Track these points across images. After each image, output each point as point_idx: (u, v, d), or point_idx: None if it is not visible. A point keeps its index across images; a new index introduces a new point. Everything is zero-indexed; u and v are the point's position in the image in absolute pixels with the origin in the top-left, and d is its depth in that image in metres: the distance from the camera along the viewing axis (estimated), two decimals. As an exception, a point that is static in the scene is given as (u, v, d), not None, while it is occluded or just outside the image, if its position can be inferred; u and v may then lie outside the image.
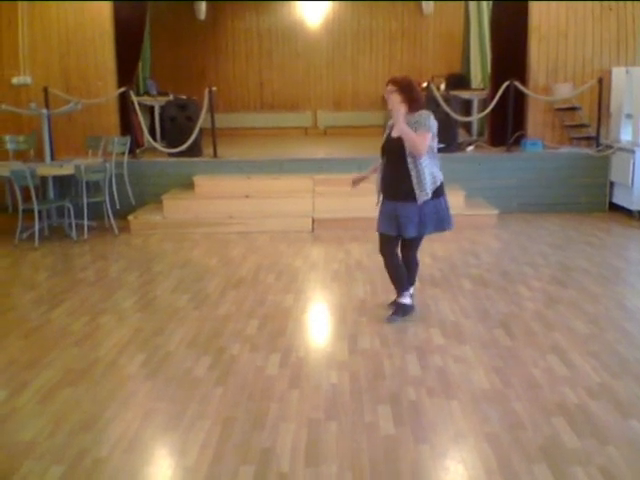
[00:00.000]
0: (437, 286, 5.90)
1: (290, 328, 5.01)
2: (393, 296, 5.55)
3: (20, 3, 9.62)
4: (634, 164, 8.57)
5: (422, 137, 4.67)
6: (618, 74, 9.30)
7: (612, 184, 9.24)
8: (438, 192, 4.86)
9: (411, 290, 5.21)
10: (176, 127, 9.53)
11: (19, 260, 7.21)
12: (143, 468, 3.23)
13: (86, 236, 7.98)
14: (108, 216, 8.29)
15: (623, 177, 8.81)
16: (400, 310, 5.12)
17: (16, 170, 7.49)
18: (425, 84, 11.83)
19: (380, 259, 6.83)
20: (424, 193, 4.76)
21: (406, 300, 5.12)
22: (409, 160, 4.74)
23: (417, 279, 5.33)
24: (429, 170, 4.77)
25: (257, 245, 7.67)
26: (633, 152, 8.60)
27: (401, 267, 5.08)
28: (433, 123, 4.76)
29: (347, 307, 5.47)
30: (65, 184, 8.43)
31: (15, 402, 3.88)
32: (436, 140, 4.85)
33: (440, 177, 4.87)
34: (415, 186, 4.76)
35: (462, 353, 4.48)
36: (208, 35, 14.43)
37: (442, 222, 4.95)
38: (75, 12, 9.74)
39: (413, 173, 4.76)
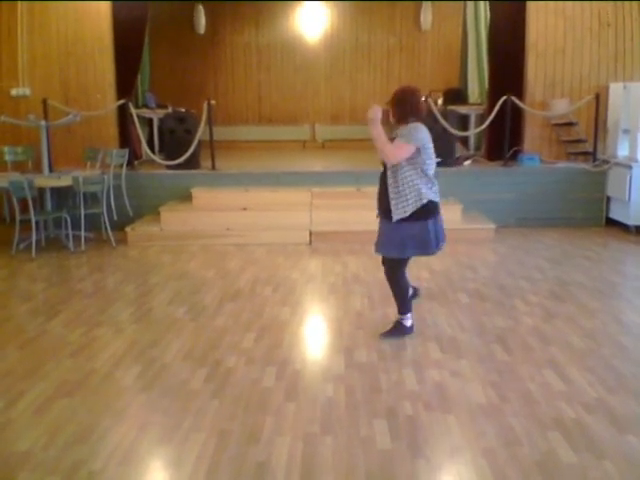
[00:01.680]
0: (434, 300, 5.90)
1: (287, 341, 5.00)
2: (391, 310, 5.56)
3: (20, 15, 9.66)
4: (631, 179, 8.60)
5: (394, 146, 4.56)
6: (615, 90, 9.35)
7: (609, 199, 9.27)
8: (425, 214, 4.63)
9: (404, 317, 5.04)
10: (174, 140, 9.55)
11: (16, 271, 7.20)
12: (138, 481, 3.22)
13: (83, 247, 7.97)
14: (105, 228, 8.29)
15: (620, 192, 8.84)
16: (396, 330, 5.01)
17: (14, 181, 7.50)
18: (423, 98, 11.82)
19: (377, 273, 6.86)
20: (400, 211, 4.61)
21: (406, 322, 5.01)
22: (389, 173, 4.65)
23: (407, 306, 5.04)
24: (412, 186, 4.58)
25: (254, 257, 7.67)
26: (630, 167, 8.63)
27: (401, 287, 4.94)
28: (419, 136, 4.55)
29: (344, 320, 5.46)
30: (63, 195, 8.43)
31: (11, 413, 3.86)
32: (428, 156, 4.60)
33: (430, 197, 4.62)
34: (391, 201, 4.64)
35: (459, 367, 4.47)
36: (207, 49, 14.49)
37: (425, 246, 4.73)
38: (75, 24, 9.80)
39: (391, 188, 4.63)
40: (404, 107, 4.67)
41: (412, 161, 4.58)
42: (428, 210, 4.65)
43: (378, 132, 4.58)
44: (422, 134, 4.60)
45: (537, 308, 5.75)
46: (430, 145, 4.64)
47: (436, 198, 4.71)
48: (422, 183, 4.61)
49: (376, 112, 4.60)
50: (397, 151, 4.57)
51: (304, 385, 4.22)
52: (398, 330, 5.01)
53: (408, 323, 5.01)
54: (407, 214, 4.62)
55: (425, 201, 4.61)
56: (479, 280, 6.64)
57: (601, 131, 9.49)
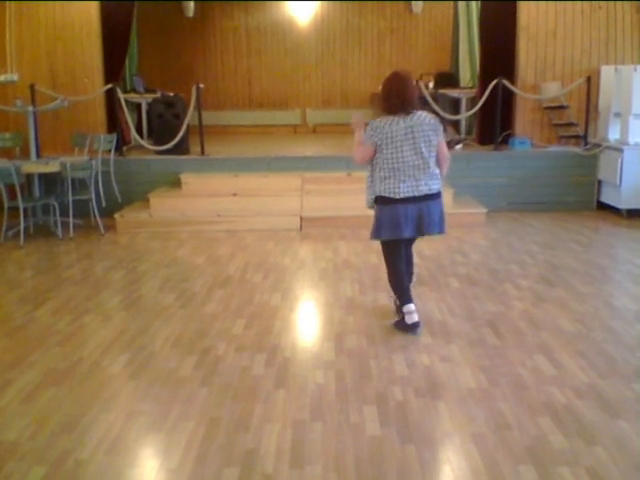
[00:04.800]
0: (424, 285, 5.88)
1: (277, 327, 4.97)
2: (381, 295, 5.55)
3: (7, 1, 9.54)
4: (622, 163, 8.58)
5: (355, 148, 4.74)
6: (607, 72, 9.31)
7: (600, 183, 9.26)
8: (385, 201, 4.66)
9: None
10: (163, 124, 9.47)
11: (4, 258, 7.14)
12: (126, 469, 3.18)
13: (72, 234, 7.91)
14: (94, 214, 8.22)
15: (611, 176, 8.82)
16: (398, 323, 4.94)
17: (1, 167, 7.41)
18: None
19: (368, 258, 6.86)
20: (367, 197, 4.79)
21: (406, 317, 4.82)
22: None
23: (402, 296, 4.91)
24: (373, 177, 4.70)
25: (244, 244, 7.63)
26: (621, 151, 8.61)
27: (390, 274, 4.94)
28: (369, 133, 4.59)
29: (334, 306, 5.43)
30: (51, 182, 8.36)
31: (-3, 402, 3.84)
32: (389, 150, 4.55)
33: (379, 193, 4.65)
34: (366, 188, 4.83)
35: (449, 352, 4.46)
36: (196, 32, 14.37)
37: (396, 230, 4.68)
38: (62, 9, 9.69)
39: (367, 173, 4.81)
40: (382, 96, 4.67)
41: (377, 154, 4.65)
42: (385, 200, 4.66)
43: (355, 137, 4.76)
44: (374, 130, 4.57)
45: (528, 292, 5.74)
46: (391, 138, 4.53)
47: (389, 194, 4.61)
48: (380, 177, 4.65)
49: (357, 119, 4.76)
50: (355, 153, 4.75)
51: (294, 372, 4.19)
52: (399, 324, 4.89)
53: (408, 319, 4.78)
54: (368, 202, 4.81)
55: (377, 194, 4.70)
56: (470, 265, 6.63)
57: (592, 114, 9.47)
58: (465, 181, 8.99)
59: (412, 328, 4.77)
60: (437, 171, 4.67)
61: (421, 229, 4.69)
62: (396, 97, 4.53)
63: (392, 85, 4.57)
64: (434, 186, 4.64)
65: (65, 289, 6.02)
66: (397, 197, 4.58)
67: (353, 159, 4.77)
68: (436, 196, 4.67)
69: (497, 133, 9.41)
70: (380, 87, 4.71)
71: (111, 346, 4.66)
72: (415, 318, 4.78)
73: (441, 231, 4.79)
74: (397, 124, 4.51)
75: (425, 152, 4.56)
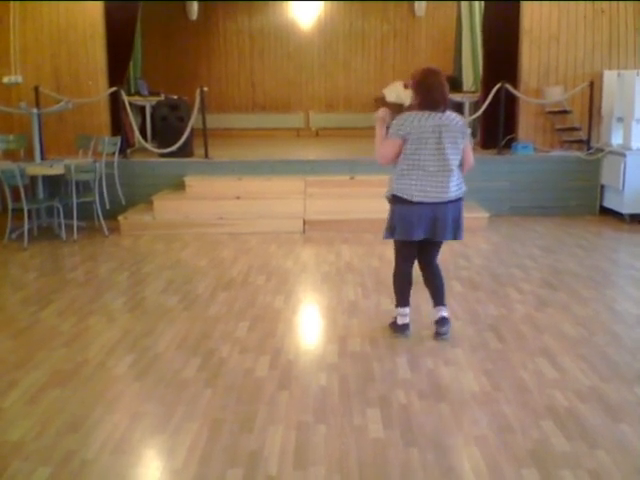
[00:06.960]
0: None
1: (280, 330, 4.99)
2: (384, 298, 5.56)
3: (12, 2, 9.57)
4: (625, 167, 8.59)
5: (380, 145, 4.52)
6: (610, 77, 9.32)
7: (603, 187, 9.27)
8: (398, 200, 4.49)
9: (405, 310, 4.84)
10: (167, 127, 9.48)
11: (8, 260, 7.17)
12: (130, 470, 3.21)
13: (76, 236, 7.93)
14: (98, 216, 8.24)
15: (614, 180, 8.83)
16: (392, 324, 4.94)
17: (5, 169, 7.44)
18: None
19: (370, 261, 6.87)
20: (388, 190, 4.59)
21: (398, 319, 4.85)
22: None
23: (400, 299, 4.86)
24: (399, 173, 4.46)
25: (248, 246, 7.65)
26: (624, 155, 8.62)
27: (394, 277, 4.86)
28: (398, 124, 4.38)
29: (337, 309, 5.45)
30: (55, 184, 8.37)
31: (3, 402, 3.85)
32: (414, 145, 4.36)
33: (395, 192, 4.48)
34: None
35: (452, 356, 4.47)
36: (200, 35, 14.38)
37: (408, 231, 4.52)
38: (66, 12, 9.69)
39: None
40: (415, 92, 4.45)
41: (404, 150, 4.43)
42: (402, 199, 4.48)
43: (377, 132, 4.53)
44: (402, 122, 4.38)
45: (530, 296, 5.75)
46: (418, 134, 4.34)
47: (405, 195, 4.44)
48: (400, 173, 4.46)
49: (383, 112, 4.57)
50: (380, 149, 4.51)
51: (297, 374, 4.21)
52: (392, 325, 4.92)
53: (399, 320, 4.82)
54: (388, 195, 4.59)
55: (398, 193, 4.49)
56: (472, 269, 6.64)
57: (595, 119, 9.47)
58: (468, 185, 8.74)
59: (401, 329, 4.81)
60: (459, 175, 4.57)
61: (434, 233, 4.54)
62: (437, 91, 4.35)
63: (433, 79, 4.37)
64: (454, 191, 4.51)
65: (69, 291, 6.04)
66: (412, 200, 4.43)
67: (378, 157, 4.52)
68: (455, 201, 4.56)
69: (500, 137, 9.42)
70: (413, 80, 4.43)
71: (116, 347, 4.68)
72: (406, 320, 4.81)
73: (455, 237, 4.64)
74: (426, 120, 4.34)
75: (449, 154, 4.41)
